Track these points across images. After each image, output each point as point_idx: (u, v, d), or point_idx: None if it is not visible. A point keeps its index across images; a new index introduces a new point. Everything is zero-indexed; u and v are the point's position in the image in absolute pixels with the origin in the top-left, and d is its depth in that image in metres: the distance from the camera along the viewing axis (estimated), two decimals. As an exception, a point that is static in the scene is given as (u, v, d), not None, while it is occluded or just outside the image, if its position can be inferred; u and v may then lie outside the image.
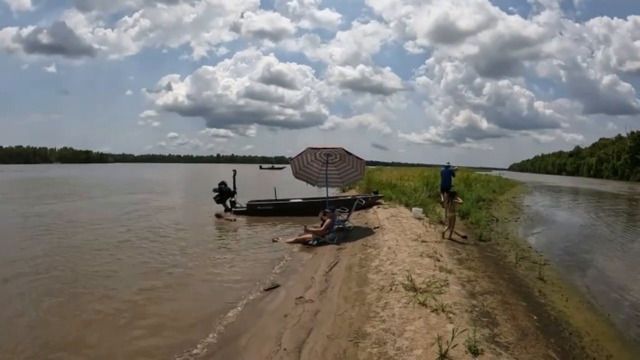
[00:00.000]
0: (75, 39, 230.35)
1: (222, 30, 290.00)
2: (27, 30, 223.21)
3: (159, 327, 6.26)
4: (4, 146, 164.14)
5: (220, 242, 12.50)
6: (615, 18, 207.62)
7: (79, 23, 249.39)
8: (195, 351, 5.50)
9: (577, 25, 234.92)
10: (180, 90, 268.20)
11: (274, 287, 7.91)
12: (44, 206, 20.36)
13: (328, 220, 12.05)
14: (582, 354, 5.25)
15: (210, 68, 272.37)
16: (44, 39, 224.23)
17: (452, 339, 4.44)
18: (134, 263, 9.79)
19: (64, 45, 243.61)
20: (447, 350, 4.32)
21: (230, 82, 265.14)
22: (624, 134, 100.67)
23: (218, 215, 16.85)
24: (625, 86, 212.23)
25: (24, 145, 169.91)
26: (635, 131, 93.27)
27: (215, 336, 5.93)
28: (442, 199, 17.58)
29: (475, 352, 4.39)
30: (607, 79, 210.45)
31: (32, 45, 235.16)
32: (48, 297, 7.45)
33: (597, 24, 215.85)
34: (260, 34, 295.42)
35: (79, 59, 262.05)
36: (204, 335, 5.93)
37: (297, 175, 15.01)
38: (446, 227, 11.54)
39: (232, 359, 5.25)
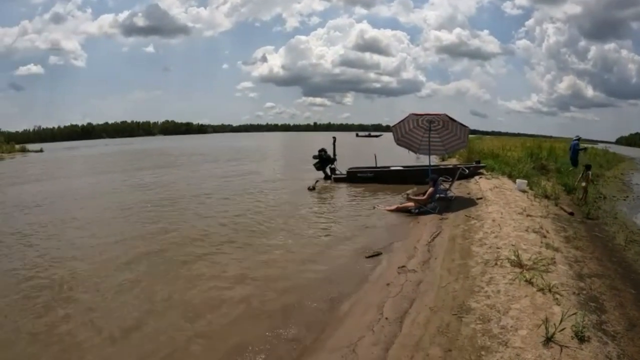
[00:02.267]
0: (169, 19, 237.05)
1: (313, 0, 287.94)
2: (122, 16, 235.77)
3: (261, 289, 6.55)
4: (110, 122, 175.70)
5: (321, 209, 12.77)
6: None
7: (172, 4, 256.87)
8: (296, 315, 5.71)
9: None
10: (275, 61, 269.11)
11: (376, 254, 8.00)
12: (150, 175, 22.08)
13: (431, 189, 11.86)
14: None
15: (303, 38, 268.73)
16: (140, 21, 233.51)
17: (560, 322, 4.29)
18: (235, 227, 10.28)
19: (160, 25, 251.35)
20: (553, 333, 4.18)
21: (324, 51, 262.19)
22: None
23: (312, 188, 16.17)
24: None
25: (129, 121, 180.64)
26: None
27: (317, 301, 6.10)
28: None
29: (581, 339, 4.21)
30: None
31: (129, 29, 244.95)
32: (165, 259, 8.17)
33: None
34: (352, 1, 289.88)
35: (176, 38, 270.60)
36: (306, 299, 6.13)
37: (399, 142, 14.83)
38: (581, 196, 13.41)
39: (334, 324, 5.40)
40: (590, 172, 13.90)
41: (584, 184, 13.65)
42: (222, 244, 8.86)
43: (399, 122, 14.22)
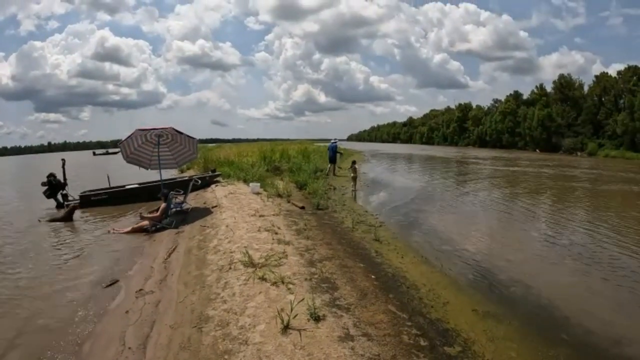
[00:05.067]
0: None
1: (54, 1, 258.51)
2: None
3: None
4: None
5: (51, 242, 11.43)
6: (448, 4, 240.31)
7: None
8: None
9: (414, 9, 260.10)
10: (4, 71, 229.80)
11: (113, 282, 7.59)
12: None
13: (163, 205, 11.81)
14: (420, 304, 5.92)
15: (38, 44, 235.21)
16: None
17: (292, 310, 4.74)
18: None
19: None
20: (289, 321, 4.61)
21: (60, 60, 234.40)
22: (452, 106, 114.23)
23: (54, 220, 13.93)
24: (454, 64, 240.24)
25: None
26: (462, 103, 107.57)
27: (56, 350, 5.38)
28: (328, 169, 23.87)
29: (317, 319, 4.75)
30: (438, 58, 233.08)
31: None
32: None
33: (432, 9, 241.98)
34: (96, 5, 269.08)
35: None
36: (44, 352, 5.35)
37: (129, 159, 14.26)
38: (352, 185, 17.98)
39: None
40: (356, 166, 18.56)
41: (353, 174, 18.08)
42: None
43: (126, 139, 13.69)
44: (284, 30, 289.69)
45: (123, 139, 13.90)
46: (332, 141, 25.51)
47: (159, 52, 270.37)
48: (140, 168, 14.80)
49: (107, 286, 7.49)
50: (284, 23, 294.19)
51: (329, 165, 24.25)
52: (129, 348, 5.12)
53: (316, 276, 6.30)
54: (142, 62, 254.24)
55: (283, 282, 5.84)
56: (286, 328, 4.57)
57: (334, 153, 24.52)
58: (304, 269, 6.57)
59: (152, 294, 6.72)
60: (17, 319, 6.27)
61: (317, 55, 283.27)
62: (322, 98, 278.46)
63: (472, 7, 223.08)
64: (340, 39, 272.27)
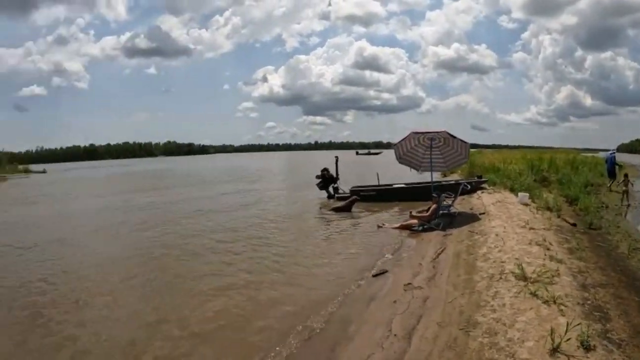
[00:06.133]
0: (171, 41, 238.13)
1: (312, 20, 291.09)
2: (125, 37, 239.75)
3: (269, 312, 6.56)
4: (112, 143, 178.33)
5: (325, 229, 12.77)
6: None
7: (173, 26, 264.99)
8: (306, 334, 5.76)
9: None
10: (275, 81, 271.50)
11: (381, 272, 8.07)
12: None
13: (434, 206, 11.97)
14: (702, 357, 4.95)
15: (303, 57, 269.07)
16: (142, 43, 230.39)
17: (566, 332, 4.38)
18: (240, 252, 10.22)
19: (162, 47, 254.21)
20: (559, 343, 4.27)
21: (324, 70, 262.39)
22: None
23: (336, 209, 15.80)
24: None
25: (131, 142, 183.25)
26: None
27: (326, 321, 6.15)
28: (610, 184, 20.93)
29: (587, 348, 4.29)
30: None
31: (131, 51, 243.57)
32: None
33: None
34: (351, 19, 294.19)
35: (177, 60, 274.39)
36: (315, 320, 6.16)
37: (401, 160, 14.99)
38: (623, 201, 16.52)
39: (343, 343, 5.45)
40: (629, 179, 17.29)
41: (624, 188, 16.99)
42: (225, 268, 8.93)
43: (400, 141, 14.39)
44: (540, 26, 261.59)
45: (397, 140, 14.58)
46: (610, 152, 22.24)
47: (415, 59, 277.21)
48: (411, 170, 15.31)
49: (376, 275, 7.97)
50: (539, 19, 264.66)
51: (610, 180, 21.05)
52: (395, 335, 5.34)
53: (589, 302, 5.65)
54: (399, 68, 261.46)
55: (555, 302, 5.38)
56: (555, 350, 4.20)
57: (612, 166, 21.30)
58: (576, 292, 5.96)
59: (420, 289, 6.88)
60: (291, 297, 7.19)
61: (579, 52, 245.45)
62: (587, 101, 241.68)
63: None
64: (603, 30, 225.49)
